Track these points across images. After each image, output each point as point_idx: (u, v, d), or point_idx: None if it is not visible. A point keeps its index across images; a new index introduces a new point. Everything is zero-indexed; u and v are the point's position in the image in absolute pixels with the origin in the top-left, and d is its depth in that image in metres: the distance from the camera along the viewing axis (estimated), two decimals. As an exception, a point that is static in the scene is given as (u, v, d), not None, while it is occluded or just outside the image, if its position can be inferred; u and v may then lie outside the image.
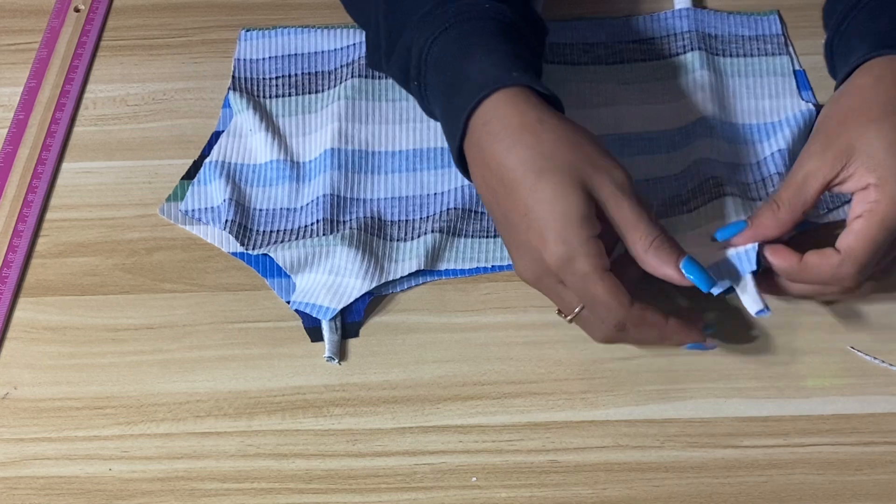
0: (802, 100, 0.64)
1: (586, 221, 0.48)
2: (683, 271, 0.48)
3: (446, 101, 0.53)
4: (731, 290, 0.52)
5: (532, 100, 0.51)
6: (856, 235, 0.49)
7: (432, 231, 0.58)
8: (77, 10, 0.73)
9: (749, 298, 0.51)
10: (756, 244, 0.51)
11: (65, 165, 0.64)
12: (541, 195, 0.48)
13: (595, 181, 0.48)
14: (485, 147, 0.50)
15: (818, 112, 0.63)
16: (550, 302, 0.56)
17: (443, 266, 0.58)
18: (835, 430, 0.51)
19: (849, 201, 0.52)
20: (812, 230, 0.57)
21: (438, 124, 0.63)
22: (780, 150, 0.60)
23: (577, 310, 0.50)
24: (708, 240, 0.54)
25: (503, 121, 0.50)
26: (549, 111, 0.50)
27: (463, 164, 0.53)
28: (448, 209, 0.59)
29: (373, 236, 0.58)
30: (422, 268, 0.57)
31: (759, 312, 0.50)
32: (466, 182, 0.60)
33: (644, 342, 0.52)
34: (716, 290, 0.49)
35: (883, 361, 0.53)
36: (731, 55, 0.66)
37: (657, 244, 0.48)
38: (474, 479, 0.50)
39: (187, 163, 0.64)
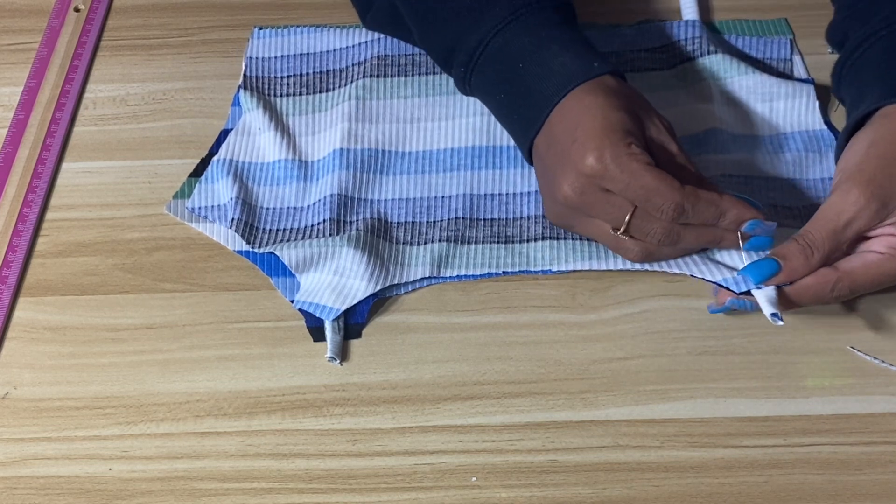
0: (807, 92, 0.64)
1: (632, 134, 0.51)
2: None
3: (516, 94, 0.55)
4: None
5: (610, 83, 0.53)
6: (864, 265, 0.51)
7: (440, 240, 0.58)
8: (77, 10, 0.73)
9: (766, 301, 0.51)
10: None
11: (65, 165, 0.64)
12: (592, 112, 0.51)
13: (646, 117, 0.53)
14: (557, 134, 0.53)
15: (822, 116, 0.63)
16: (550, 302, 0.56)
17: (453, 272, 0.57)
18: (835, 430, 0.51)
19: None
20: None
21: (444, 125, 0.64)
22: (788, 178, 0.61)
23: (627, 217, 0.51)
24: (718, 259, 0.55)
25: (580, 110, 0.52)
26: (625, 85, 0.54)
27: (528, 153, 0.56)
28: (455, 218, 0.59)
29: (379, 238, 0.58)
30: (428, 275, 0.57)
31: (773, 315, 0.50)
32: (473, 188, 0.61)
33: (700, 240, 0.53)
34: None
35: (883, 361, 0.53)
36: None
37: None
38: (474, 478, 0.50)
39: (187, 162, 0.64)
